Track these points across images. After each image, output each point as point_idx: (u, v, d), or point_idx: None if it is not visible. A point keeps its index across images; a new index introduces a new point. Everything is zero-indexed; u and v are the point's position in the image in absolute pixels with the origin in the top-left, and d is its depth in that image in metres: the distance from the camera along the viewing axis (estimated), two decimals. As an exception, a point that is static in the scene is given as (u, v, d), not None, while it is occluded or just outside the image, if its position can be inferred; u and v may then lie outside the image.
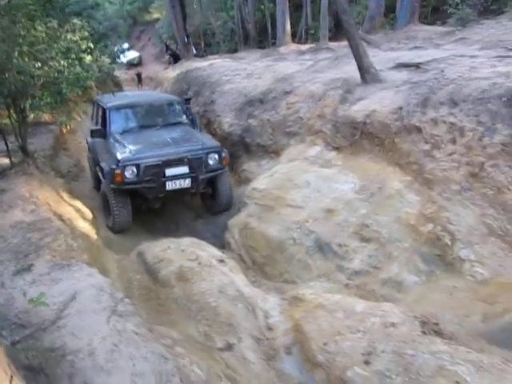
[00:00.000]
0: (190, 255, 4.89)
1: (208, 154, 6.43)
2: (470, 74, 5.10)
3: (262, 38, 20.58)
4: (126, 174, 5.98)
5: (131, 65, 32.06)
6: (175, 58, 22.02)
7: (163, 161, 6.09)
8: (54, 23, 5.49)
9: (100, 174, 7.02)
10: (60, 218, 5.13)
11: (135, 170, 6.03)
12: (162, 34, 33.42)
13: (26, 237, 4.23)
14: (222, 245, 6.15)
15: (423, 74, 5.72)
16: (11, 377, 1.42)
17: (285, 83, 8.22)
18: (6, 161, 6.19)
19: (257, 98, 8.25)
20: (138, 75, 23.82)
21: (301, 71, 8.73)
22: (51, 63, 5.55)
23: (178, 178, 6.21)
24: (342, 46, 10.70)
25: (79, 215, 5.83)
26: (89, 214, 6.35)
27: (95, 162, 7.73)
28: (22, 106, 5.93)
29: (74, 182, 8.33)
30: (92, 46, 6.35)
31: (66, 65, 5.75)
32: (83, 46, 6.03)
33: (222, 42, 23.19)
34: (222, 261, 4.92)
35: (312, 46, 12.99)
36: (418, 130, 4.95)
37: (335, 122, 6.08)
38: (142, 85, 23.33)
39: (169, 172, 6.15)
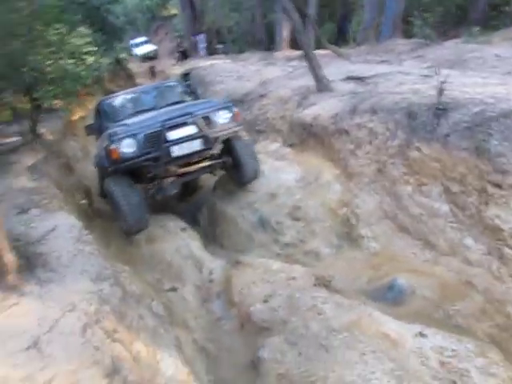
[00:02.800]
0: (160, 223, 6.15)
1: (216, 111, 5.72)
2: (394, 88, 6.26)
3: (271, 40, 21.59)
4: (122, 148, 5.20)
5: (147, 58, 33.19)
6: (184, 55, 23.06)
7: (162, 124, 5.31)
8: (64, 30, 6.77)
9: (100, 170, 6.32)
10: (59, 187, 6.43)
11: (132, 141, 5.25)
12: (178, 30, 34.61)
13: (28, 198, 5.50)
14: (196, 222, 7.31)
15: (363, 87, 6.90)
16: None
17: (263, 87, 9.43)
18: (19, 139, 7.50)
19: (238, 99, 9.46)
20: (152, 69, 24.58)
21: (280, 77, 9.95)
22: (60, 62, 6.85)
23: (184, 141, 5.39)
24: (329, 55, 11.88)
25: (75, 187, 7.13)
26: (85, 188, 7.65)
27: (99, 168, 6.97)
28: (34, 96, 7.25)
29: (77, 163, 9.65)
30: (94, 49, 7.63)
31: (72, 63, 7.05)
32: (85, 49, 7.29)
33: (233, 42, 24.08)
34: (184, 229, 6.18)
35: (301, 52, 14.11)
36: (347, 132, 6.13)
37: (291, 123, 7.29)
38: (155, 78, 24.16)
39: (172, 135, 5.33)
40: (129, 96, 7.19)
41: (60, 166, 7.62)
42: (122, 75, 22.46)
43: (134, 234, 5.62)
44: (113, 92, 17.04)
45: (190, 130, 5.46)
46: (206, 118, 5.58)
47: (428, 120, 5.02)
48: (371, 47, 12.79)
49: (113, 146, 5.21)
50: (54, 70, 6.75)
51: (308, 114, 6.97)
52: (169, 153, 5.34)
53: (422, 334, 3.56)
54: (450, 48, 9.03)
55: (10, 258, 2.96)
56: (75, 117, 11.60)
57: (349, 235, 5.51)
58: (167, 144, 5.32)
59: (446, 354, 3.35)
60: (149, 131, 5.33)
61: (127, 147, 5.25)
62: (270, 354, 3.63)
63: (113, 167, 5.34)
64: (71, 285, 3.13)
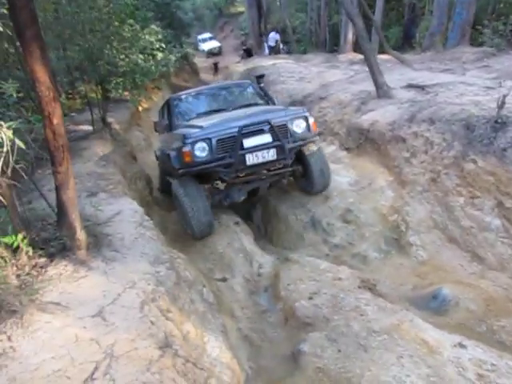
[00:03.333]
0: (215, 216, 6.42)
1: (293, 119, 5.59)
2: (455, 99, 6.22)
3: (336, 42, 21.42)
4: (195, 152, 5.14)
5: (212, 54, 33.93)
6: (249, 53, 23.42)
7: (239, 130, 5.18)
8: (137, 26, 7.22)
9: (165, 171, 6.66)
10: (123, 174, 6.86)
11: (206, 145, 5.17)
12: (244, 28, 35.12)
13: (96, 182, 5.93)
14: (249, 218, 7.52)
15: (423, 95, 6.88)
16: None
17: (324, 89, 9.55)
18: (90, 127, 8.03)
19: (298, 100, 9.64)
20: (215, 65, 24.99)
21: (341, 80, 10.02)
22: (132, 57, 7.30)
23: (259, 149, 5.30)
24: (392, 60, 11.81)
25: (137, 175, 7.56)
26: (146, 177, 8.09)
27: (164, 165, 7.18)
28: (106, 87, 7.76)
29: (140, 153, 10.18)
30: (164, 46, 8.05)
31: (142, 58, 7.49)
32: (156, 45, 7.72)
33: (297, 42, 24.19)
34: (237, 223, 6.43)
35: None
36: (403, 140, 6.17)
37: (348, 127, 7.38)
38: (218, 74, 24.61)
39: (248, 143, 5.25)
40: (200, 94, 7.08)
41: (125, 154, 8.08)
42: (187, 70, 23.19)
43: (199, 239, 5.65)
44: (178, 86, 17.79)
45: (266, 138, 5.35)
46: (283, 127, 5.46)
47: (485, 133, 4.99)
48: (436, 54, 12.55)
49: (186, 149, 5.13)
50: (126, 64, 7.20)
51: (366, 119, 7.04)
52: (244, 161, 5.25)
53: (461, 345, 3.60)
54: (520, 59, 8.78)
55: (82, 236, 3.31)
56: (141, 108, 12.19)
57: (397, 242, 5.57)
58: (242, 151, 5.23)
59: (485, 367, 3.38)
60: (223, 136, 5.22)
61: (200, 151, 5.18)
62: (311, 348, 3.79)
63: (184, 170, 5.28)
64: (132, 265, 3.45)
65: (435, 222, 5.35)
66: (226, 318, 4.38)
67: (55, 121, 3.09)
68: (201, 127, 5.40)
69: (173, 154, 5.47)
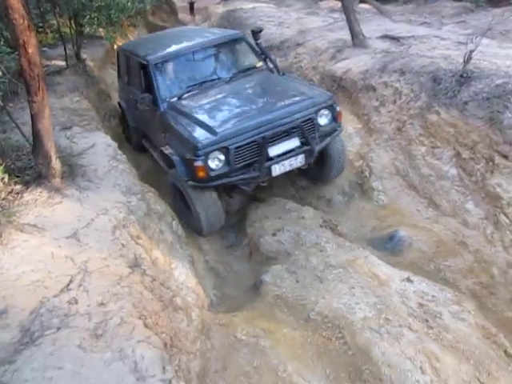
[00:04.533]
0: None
1: (318, 111, 4.65)
2: (426, 52, 6.38)
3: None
4: (211, 165, 4.18)
5: (191, -8, 32.36)
6: (228, -5, 22.37)
7: (264, 135, 4.26)
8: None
9: (161, 159, 5.33)
10: (97, 111, 6.89)
11: (223, 156, 4.21)
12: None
13: (70, 118, 5.95)
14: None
15: (397, 47, 7.00)
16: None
17: (302, 35, 9.52)
18: (63, 63, 7.90)
19: (275, 45, 9.60)
20: (191, 4, 23.29)
21: (319, 27, 9.98)
22: (106, -9, 7.11)
23: (287, 157, 4.44)
24: (372, 11, 11.78)
25: (111, 113, 7.58)
26: (120, 116, 8.09)
27: (139, 126, 6.41)
28: (80, 22, 7.59)
29: (114, 91, 10.06)
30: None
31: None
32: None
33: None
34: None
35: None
36: (374, 89, 6.34)
37: (322, 74, 7.49)
38: (194, 15, 23.27)
39: (273, 151, 4.38)
40: (183, 56, 5.50)
41: (99, 91, 8.04)
42: (165, 9, 22.33)
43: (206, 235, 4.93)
44: (155, 25, 17.22)
45: (294, 142, 4.50)
46: (309, 122, 4.56)
47: (450, 86, 5.20)
48: (418, 7, 12.55)
49: (199, 163, 4.13)
50: (99, -1, 7.04)
51: (340, 67, 7.14)
52: (269, 172, 4.44)
53: (408, 279, 3.95)
54: (496, 16, 8.87)
55: (57, 164, 3.45)
56: (116, 46, 11.91)
57: (361, 186, 5.83)
58: (269, 163, 4.38)
59: (426, 298, 3.75)
60: (243, 143, 4.24)
61: (216, 163, 4.24)
62: (272, 278, 4.09)
63: (197, 184, 4.35)
64: (105, 194, 3.63)
65: (397, 168, 5.63)
66: (193, 250, 4.64)
67: (30, 50, 3.13)
68: (211, 129, 4.30)
69: (177, 160, 4.41)
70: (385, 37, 7.59)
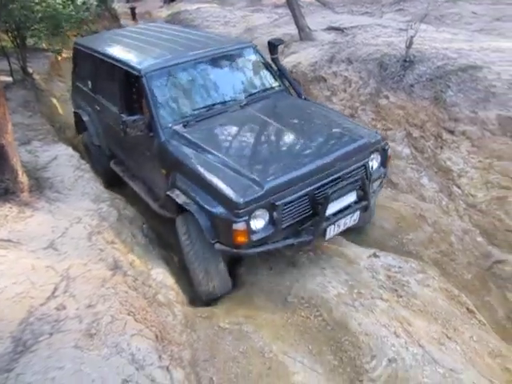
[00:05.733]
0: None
1: (371, 154, 3.74)
2: (370, 40, 6.68)
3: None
4: (253, 226, 3.17)
5: (135, -1, 31.83)
6: (170, -2, 22.22)
7: (322, 191, 3.38)
8: (53, -31, 6.93)
9: (149, 197, 4.39)
10: (51, 124, 6.80)
11: (268, 215, 3.22)
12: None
13: (24, 133, 5.86)
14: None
15: (342, 37, 7.28)
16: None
17: (249, 33, 9.69)
18: (9, 78, 7.73)
19: (224, 44, 9.72)
20: (132, 10, 22.78)
21: (265, 24, 10.20)
22: (50, 1, 7.03)
23: (344, 216, 3.56)
24: (315, 3, 12.07)
25: (66, 125, 7.48)
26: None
27: (110, 145, 5.08)
28: (24, 35, 7.45)
29: (65, 104, 9.91)
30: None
31: (60, 3, 7.23)
32: (75, -10, 7.44)
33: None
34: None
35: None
36: (324, 80, 6.58)
37: (273, 70, 7.68)
38: (137, 20, 22.86)
39: (333, 207, 3.47)
40: (179, 62, 4.15)
41: (50, 105, 7.92)
42: (106, 16, 21.91)
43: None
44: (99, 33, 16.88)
45: (351, 197, 3.62)
46: (363, 170, 3.64)
47: (396, 71, 5.50)
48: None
49: (240, 227, 3.07)
50: (43, 9, 6.94)
51: (289, 61, 7.35)
52: (324, 235, 3.55)
53: (375, 255, 4.17)
54: (431, 2, 9.33)
55: (24, 178, 3.47)
56: (60, 58, 11.69)
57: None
58: (326, 223, 3.45)
59: (393, 270, 3.98)
60: (295, 197, 3.26)
61: (262, 225, 3.23)
62: (246, 268, 4.22)
63: (231, 251, 3.29)
64: (75, 203, 3.67)
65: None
66: (165, 251, 4.71)
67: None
68: (253, 179, 3.19)
69: (200, 215, 3.27)
70: (330, 28, 7.86)
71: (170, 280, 3.84)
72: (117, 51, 4.67)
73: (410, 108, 5.24)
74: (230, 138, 3.80)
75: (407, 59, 5.47)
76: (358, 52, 6.36)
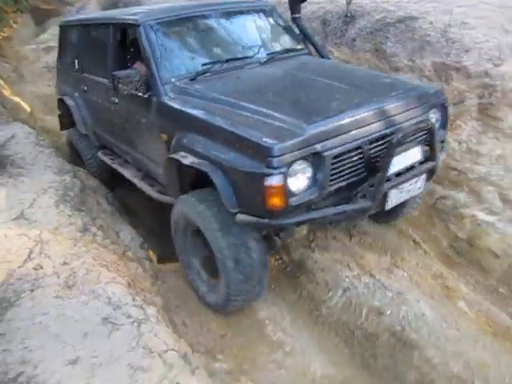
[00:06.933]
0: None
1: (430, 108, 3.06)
2: (314, -2, 6.85)
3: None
4: (291, 185, 2.40)
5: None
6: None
7: (380, 139, 2.72)
8: None
9: (145, 183, 3.94)
10: (3, 105, 6.75)
11: (312, 172, 2.48)
12: None
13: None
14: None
15: (286, -3, 7.41)
16: None
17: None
18: None
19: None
20: None
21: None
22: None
23: (407, 179, 2.84)
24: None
25: (17, 107, 7.43)
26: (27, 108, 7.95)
27: (99, 130, 4.57)
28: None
29: (13, 86, 9.70)
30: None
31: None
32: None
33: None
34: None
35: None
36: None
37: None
38: None
39: (395, 165, 2.71)
40: (184, 13, 3.64)
41: (-1, 86, 7.82)
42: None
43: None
44: (40, 10, 16.25)
45: (416, 154, 2.93)
46: (426, 122, 2.92)
47: (338, 27, 5.73)
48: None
49: (275, 182, 2.31)
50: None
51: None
52: (383, 203, 2.80)
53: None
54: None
55: (-17, 157, 3.58)
56: (0, 37, 11.32)
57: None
58: (388, 185, 2.71)
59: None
60: (347, 146, 2.56)
61: (301, 182, 2.46)
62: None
63: (263, 222, 2.49)
64: (39, 177, 3.81)
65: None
66: (132, 218, 4.90)
67: None
68: (291, 123, 2.52)
69: (219, 177, 2.55)
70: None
71: (138, 241, 4.07)
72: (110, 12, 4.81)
73: (354, 61, 5.49)
74: (253, 88, 3.18)
75: (348, 14, 5.70)
76: (302, 10, 6.53)
